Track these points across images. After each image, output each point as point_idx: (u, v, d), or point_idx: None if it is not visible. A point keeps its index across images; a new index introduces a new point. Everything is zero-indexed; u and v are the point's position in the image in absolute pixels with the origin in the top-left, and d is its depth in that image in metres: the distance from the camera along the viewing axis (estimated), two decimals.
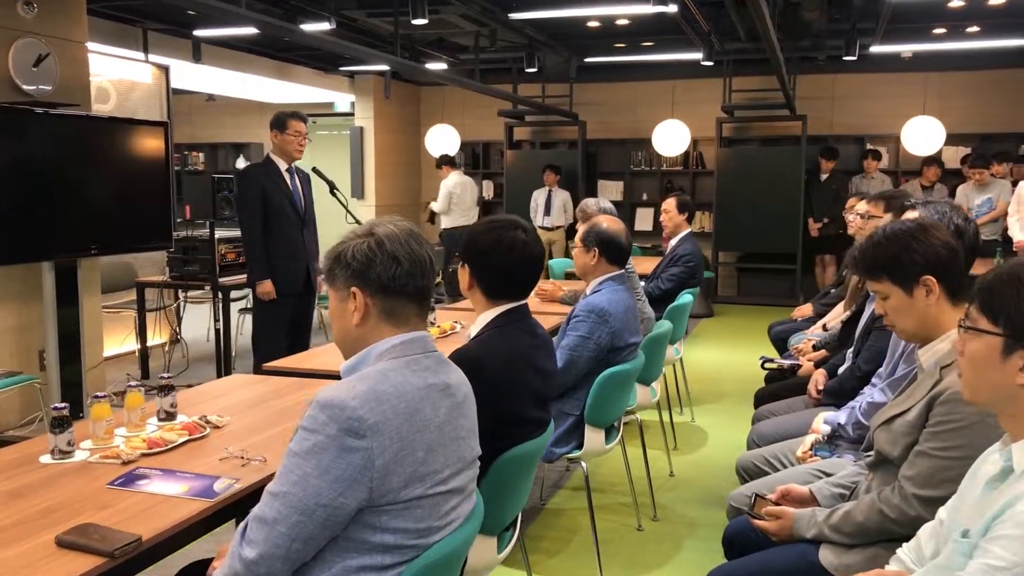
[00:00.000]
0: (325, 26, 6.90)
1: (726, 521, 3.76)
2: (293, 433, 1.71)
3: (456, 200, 10.06)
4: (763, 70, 9.79)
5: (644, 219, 11.11)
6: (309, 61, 10.03)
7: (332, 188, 5.02)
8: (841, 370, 3.43)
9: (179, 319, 7.59)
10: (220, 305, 6.15)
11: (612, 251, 3.36)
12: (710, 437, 5.08)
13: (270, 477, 2.16)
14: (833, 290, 5.87)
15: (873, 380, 2.98)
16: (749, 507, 2.31)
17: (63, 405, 2.30)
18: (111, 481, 2.11)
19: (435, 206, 10.08)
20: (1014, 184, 8.01)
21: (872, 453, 2.16)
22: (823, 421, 2.90)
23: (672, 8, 5.25)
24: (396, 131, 11.59)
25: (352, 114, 11.47)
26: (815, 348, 4.53)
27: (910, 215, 2.82)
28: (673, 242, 5.74)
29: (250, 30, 7.74)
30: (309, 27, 6.22)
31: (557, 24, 7.50)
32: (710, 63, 8.20)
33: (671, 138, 9.69)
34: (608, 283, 3.36)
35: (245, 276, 6.37)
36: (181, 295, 7.31)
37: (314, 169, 5.19)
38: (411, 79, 11.54)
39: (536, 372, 2.32)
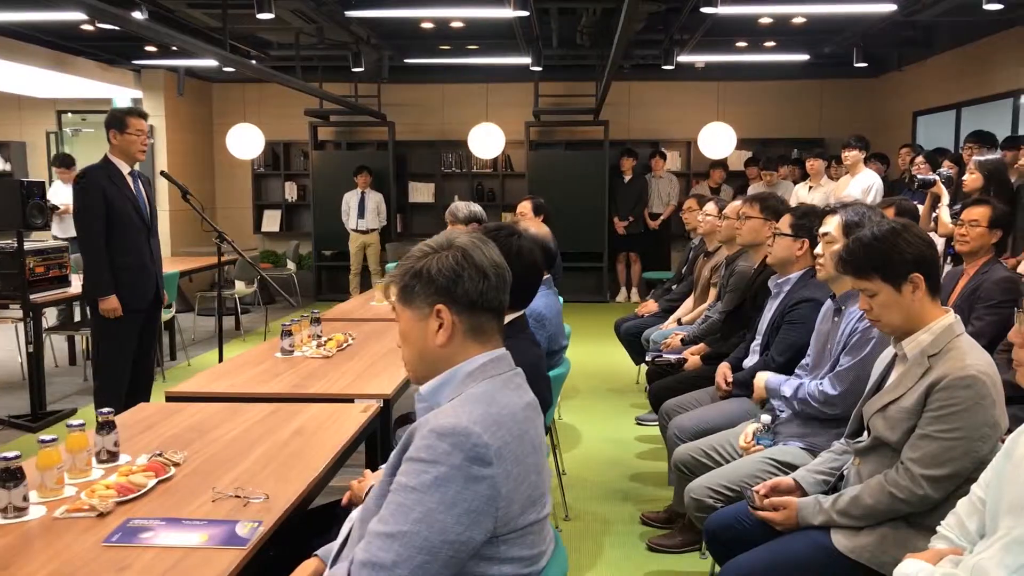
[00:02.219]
0: (137, 15, 6.32)
1: (635, 516, 3.92)
2: (388, 467, 1.58)
3: None
4: (570, 76, 10.20)
5: None
6: (96, 52, 9.14)
7: (185, 193, 4.62)
8: (747, 363, 3.64)
9: None
10: (32, 325, 5.46)
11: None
12: (582, 433, 5.21)
13: (286, 515, 1.99)
14: (675, 287, 6.21)
15: (798, 372, 3.19)
16: (748, 501, 2.40)
17: (14, 454, 1.95)
18: (106, 538, 1.83)
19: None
20: (795, 184, 8.90)
21: (862, 439, 2.32)
22: (765, 383, 3.09)
23: (524, 13, 5.33)
24: (189, 130, 10.84)
25: None
26: (684, 342, 4.79)
27: (832, 220, 3.05)
28: None
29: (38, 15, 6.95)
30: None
31: (388, 23, 7.34)
32: (538, 68, 8.38)
33: (486, 140, 9.80)
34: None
35: (59, 292, 5.76)
36: None
37: (163, 173, 4.75)
38: (206, 76, 10.86)
39: (546, 382, 2.28)
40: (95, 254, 4.51)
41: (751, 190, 9.24)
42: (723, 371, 3.68)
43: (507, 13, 5.44)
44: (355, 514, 1.73)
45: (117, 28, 5.92)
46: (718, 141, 9.36)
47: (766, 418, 3.03)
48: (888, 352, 2.43)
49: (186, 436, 2.56)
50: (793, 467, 2.76)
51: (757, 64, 9.59)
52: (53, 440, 2.09)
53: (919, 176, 5.52)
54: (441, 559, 1.45)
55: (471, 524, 1.46)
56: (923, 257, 2.21)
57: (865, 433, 2.32)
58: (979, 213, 3.91)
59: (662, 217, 10.23)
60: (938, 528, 1.94)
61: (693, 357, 4.29)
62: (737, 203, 4.80)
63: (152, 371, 4.95)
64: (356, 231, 10.33)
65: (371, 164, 10.45)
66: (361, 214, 10.34)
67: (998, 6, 5.14)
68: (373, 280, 10.57)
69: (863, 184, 7.00)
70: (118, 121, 4.60)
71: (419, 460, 1.48)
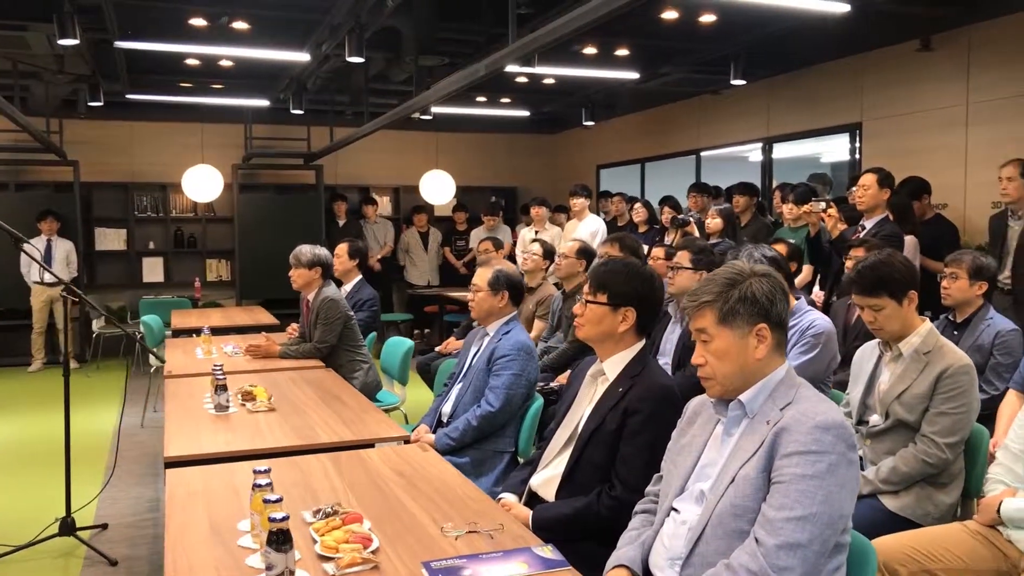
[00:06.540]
0: None
1: None
2: (754, 466, 1.80)
3: None
4: (279, 119, 10.04)
5: (153, 269, 10.31)
6: None
7: (18, 242, 3.97)
8: None
9: None
10: None
11: (517, 292, 3.58)
12: None
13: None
14: (475, 323, 6.55)
15: None
16: None
17: (282, 515, 1.79)
18: None
19: None
20: (510, 226, 9.86)
21: (874, 424, 2.94)
22: None
23: (360, 59, 5.46)
24: None
25: None
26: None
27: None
28: (348, 287, 5.79)
29: None
30: None
31: (148, 56, 6.72)
32: (299, 111, 8.21)
33: (202, 183, 9.29)
34: (513, 322, 3.56)
35: None
36: None
37: None
38: None
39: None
40: None
41: (475, 235, 9.95)
42: None
43: (295, 56, 5.46)
44: (688, 519, 1.92)
45: None
46: (439, 187, 9.91)
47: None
48: (863, 353, 3.11)
49: (292, 492, 2.41)
50: None
51: (470, 117, 10.33)
52: (279, 500, 1.92)
53: (679, 216, 6.55)
54: (837, 531, 1.75)
55: (851, 500, 1.78)
56: (915, 277, 2.92)
57: (876, 418, 2.95)
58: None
59: (379, 255, 10.42)
60: (988, 476, 2.61)
61: None
62: (573, 244, 5.37)
63: None
64: (42, 284, 9.11)
65: (52, 208, 9.30)
66: (48, 264, 9.14)
67: (742, 82, 6.37)
68: (60, 339, 9.34)
69: (590, 228, 8.00)
70: None
71: (810, 452, 1.75)
